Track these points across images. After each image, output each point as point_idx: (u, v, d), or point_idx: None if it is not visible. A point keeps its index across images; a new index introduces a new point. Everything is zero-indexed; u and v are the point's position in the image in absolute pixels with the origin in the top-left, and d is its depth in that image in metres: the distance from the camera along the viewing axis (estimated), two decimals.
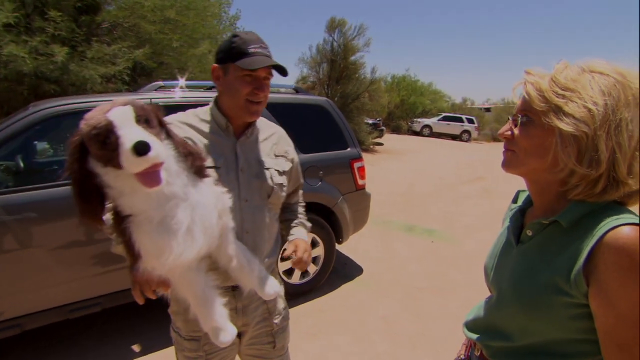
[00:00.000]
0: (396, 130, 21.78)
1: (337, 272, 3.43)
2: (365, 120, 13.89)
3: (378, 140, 14.70)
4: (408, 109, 22.63)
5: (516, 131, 0.71)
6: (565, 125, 0.64)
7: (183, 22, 6.38)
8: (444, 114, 21.87)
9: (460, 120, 20.83)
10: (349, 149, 3.16)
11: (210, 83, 2.90)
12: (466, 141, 19.99)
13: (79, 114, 2.11)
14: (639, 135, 0.63)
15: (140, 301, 0.92)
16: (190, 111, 1.15)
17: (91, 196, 0.78)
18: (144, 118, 0.77)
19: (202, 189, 0.88)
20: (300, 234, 1.27)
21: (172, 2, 6.26)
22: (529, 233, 0.75)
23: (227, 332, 0.95)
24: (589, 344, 0.66)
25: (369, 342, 2.46)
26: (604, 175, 0.64)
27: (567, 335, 0.67)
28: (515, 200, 0.89)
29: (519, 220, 0.82)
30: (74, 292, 2.11)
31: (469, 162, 11.49)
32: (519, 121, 0.71)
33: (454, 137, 20.35)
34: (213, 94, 2.67)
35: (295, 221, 1.33)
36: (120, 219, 0.79)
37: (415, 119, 21.66)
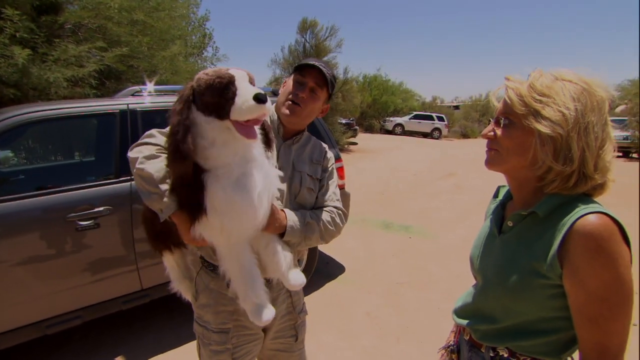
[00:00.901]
0: (369, 129, 22.14)
1: (320, 271, 3.48)
2: (339, 120, 14.02)
3: (352, 139, 14.89)
4: (380, 108, 23.04)
5: (498, 132, 0.79)
6: (543, 127, 0.71)
7: (152, 24, 6.20)
8: (415, 113, 22.44)
9: (430, 118, 21.46)
10: None
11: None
12: (437, 138, 20.63)
13: (49, 121, 2.07)
14: (602, 136, 0.71)
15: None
16: None
17: (193, 140, 0.83)
18: (253, 82, 0.89)
19: (270, 163, 0.98)
20: (289, 212, 1.10)
21: (139, 2, 6.07)
22: (510, 224, 0.83)
23: (269, 310, 0.98)
24: (564, 321, 0.74)
25: (355, 338, 2.52)
26: (576, 171, 0.72)
27: (545, 313, 0.75)
28: (496, 195, 0.97)
29: (500, 213, 0.90)
30: (51, 306, 2.02)
31: (441, 158, 11.88)
32: (502, 123, 0.78)
33: (425, 135, 20.94)
34: None
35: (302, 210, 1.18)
36: (197, 172, 0.85)
37: (387, 118, 22.09)
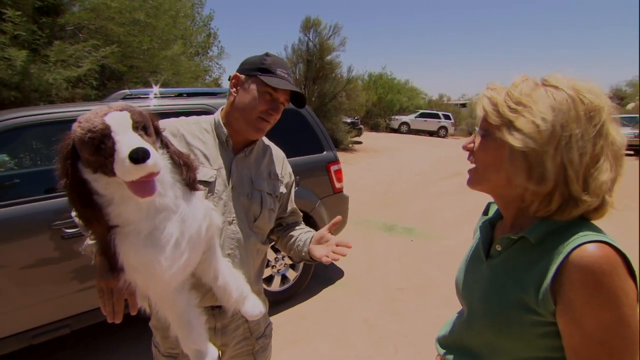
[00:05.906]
0: (375, 128, 21.96)
1: (317, 276, 3.40)
2: (344, 119, 13.91)
3: (357, 138, 14.77)
4: (386, 107, 22.82)
5: (477, 144, 0.71)
6: (513, 140, 0.63)
7: (153, 24, 6.17)
8: (421, 111, 22.23)
9: (437, 116, 21.24)
10: (325, 152, 3.13)
11: (179, 90, 2.81)
12: (443, 137, 20.41)
13: (44, 125, 2.03)
14: (593, 151, 0.62)
15: (111, 318, 0.85)
16: (193, 118, 1.13)
17: (90, 200, 0.72)
18: (141, 125, 0.73)
19: (192, 202, 0.84)
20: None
21: (140, 3, 6.04)
22: (499, 248, 0.74)
23: (209, 356, 0.92)
24: None
25: (350, 347, 2.45)
26: (556, 192, 0.63)
27: (534, 353, 0.67)
28: (486, 212, 0.88)
29: (489, 233, 0.81)
30: (38, 315, 1.98)
31: (447, 157, 11.71)
32: (479, 134, 0.70)
33: (431, 133, 20.73)
34: (184, 101, 2.58)
35: (302, 226, 1.25)
36: (106, 228, 0.74)
37: (393, 117, 21.90)
